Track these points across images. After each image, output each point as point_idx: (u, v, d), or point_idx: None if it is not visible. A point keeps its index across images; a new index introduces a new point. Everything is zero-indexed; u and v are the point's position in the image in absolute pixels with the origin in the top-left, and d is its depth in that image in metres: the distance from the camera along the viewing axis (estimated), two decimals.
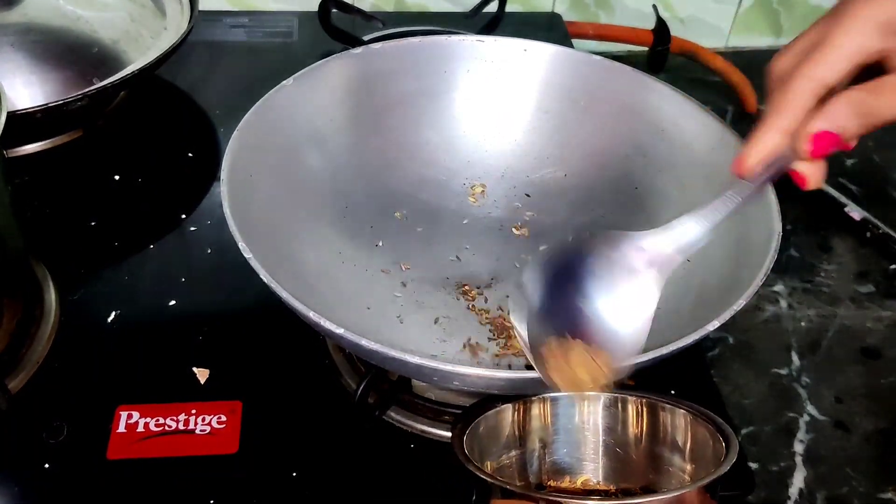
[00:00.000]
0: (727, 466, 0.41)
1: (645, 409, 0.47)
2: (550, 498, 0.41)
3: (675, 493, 0.41)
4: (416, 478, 0.52)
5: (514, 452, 0.48)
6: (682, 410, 0.46)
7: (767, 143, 0.40)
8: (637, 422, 0.48)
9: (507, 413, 0.48)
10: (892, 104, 0.37)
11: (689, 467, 0.46)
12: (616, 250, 0.43)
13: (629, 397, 0.47)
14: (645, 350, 0.42)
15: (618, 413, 0.48)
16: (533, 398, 0.48)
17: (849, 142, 0.39)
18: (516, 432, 0.48)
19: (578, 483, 0.47)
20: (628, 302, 0.42)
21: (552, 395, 0.47)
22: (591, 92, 0.63)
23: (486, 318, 0.57)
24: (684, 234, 0.43)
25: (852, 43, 0.37)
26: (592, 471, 0.48)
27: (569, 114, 0.64)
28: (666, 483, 0.46)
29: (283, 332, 0.58)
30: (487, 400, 0.48)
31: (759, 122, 0.40)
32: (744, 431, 0.58)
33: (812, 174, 0.40)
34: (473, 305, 0.58)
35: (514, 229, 0.63)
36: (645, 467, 0.47)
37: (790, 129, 0.39)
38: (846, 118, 0.37)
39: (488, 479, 0.42)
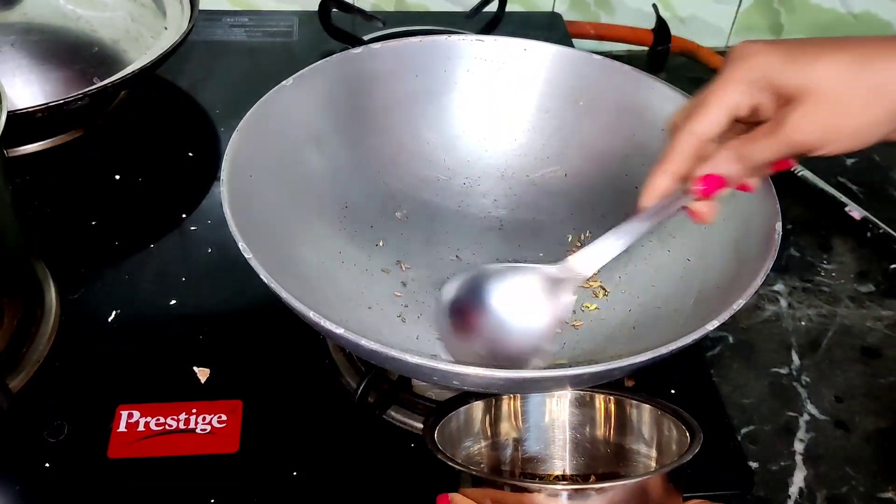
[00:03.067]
0: (689, 456, 0.42)
1: (612, 405, 0.48)
2: (516, 483, 0.41)
3: (638, 480, 0.42)
4: (417, 477, 0.52)
5: (485, 447, 0.49)
6: (648, 406, 0.47)
7: (659, 184, 0.47)
8: (605, 418, 0.49)
9: (479, 409, 0.49)
10: (762, 151, 0.44)
11: (655, 460, 0.47)
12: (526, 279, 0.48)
13: (597, 395, 0.48)
14: (645, 350, 0.43)
15: (586, 410, 0.48)
16: (504, 396, 0.48)
17: (735, 183, 0.46)
18: (488, 428, 0.49)
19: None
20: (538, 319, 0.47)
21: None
22: (591, 92, 0.63)
23: None
24: (592, 260, 0.48)
25: (724, 102, 0.45)
26: (562, 467, 0.48)
27: (569, 114, 0.64)
28: (634, 475, 0.46)
29: (283, 332, 0.58)
30: (461, 396, 0.49)
31: (653, 167, 0.47)
32: (744, 431, 0.58)
33: (706, 211, 0.47)
34: None
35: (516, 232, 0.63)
36: (614, 462, 0.48)
37: (677, 174, 0.46)
38: (726, 164, 0.45)
39: (457, 467, 0.43)
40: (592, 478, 0.48)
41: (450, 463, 0.43)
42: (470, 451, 0.48)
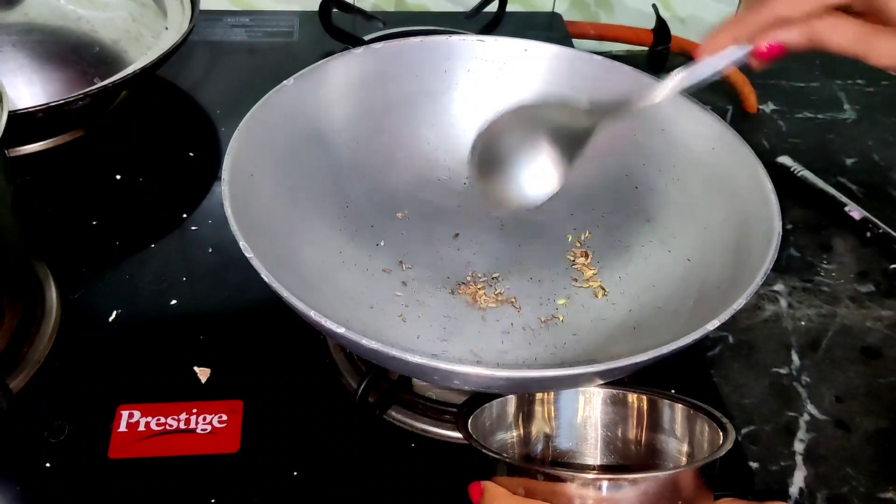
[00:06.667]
0: (722, 451, 0.42)
1: (645, 404, 0.48)
2: (549, 472, 0.41)
3: (670, 472, 0.42)
4: (417, 478, 0.52)
5: (516, 441, 0.49)
6: (680, 405, 0.47)
7: (720, 42, 0.47)
8: (637, 416, 0.49)
9: (512, 404, 0.49)
10: (837, 46, 0.44)
11: (687, 457, 0.47)
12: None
13: (629, 393, 0.48)
14: (645, 350, 0.43)
15: (619, 408, 0.48)
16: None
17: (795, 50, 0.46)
18: (520, 423, 0.49)
19: None
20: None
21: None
22: (591, 92, 0.63)
23: (487, 316, 0.57)
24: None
25: None
26: (593, 464, 0.48)
27: None
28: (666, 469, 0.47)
29: (284, 332, 0.58)
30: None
31: (724, 21, 0.48)
32: (744, 431, 0.58)
33: (757, 64, 0.47)
34: (474, 304, 0.58)
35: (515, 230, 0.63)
36: (645, 460, 0.48)
37: (740, 39, 0.47)
38: (797, 39, 0.45)
39: (491, 455, 0.43)
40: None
41: (484, 450, 0.43)
42: (502, 444, 0.48)
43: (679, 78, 0.49)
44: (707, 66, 0.48)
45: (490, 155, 0.54)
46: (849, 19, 0.44)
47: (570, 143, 0.52)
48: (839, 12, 0.45)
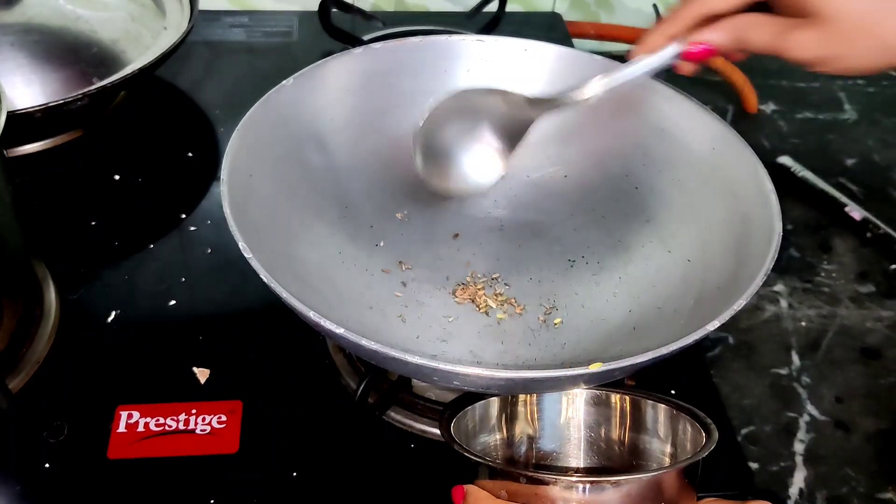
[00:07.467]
0: (705, 452, 0.42)
1: (628, 404, 0.48)
2: (532, 475, 0.41)
3: (653, 474, 0.42)
4: (416, 478, 0.52)
5: (500, 443, 0.49)
6: (663, 405, 0.47)
7: (655, 42, 0.50)
8: (620, 417, 0.49)
9: (495, 406, 0.49)
10: (758, 43, 0.46)
11: (670, 458, 0.47)
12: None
13: (612, 394, 0.48)
14: (645, 350, 0.43)
15: (601, 409, 0.48)
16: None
17: (724, 54, 0.49)
18: (503, 425, 0.49)
19: None
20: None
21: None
22: None
23: (486, 317, 0.57)
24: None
25: None
26: (576, 465, 0.49)
27: (569, 114, 0.64)
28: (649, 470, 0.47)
29: (283, 332, 0.58)
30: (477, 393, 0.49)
31: (657, 22, 0.51)
32: (744, 431, 0.58)
33: (688, 69, 0.51)
34: (474, 304, 0.58)
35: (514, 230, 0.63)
36: (628, 460, 0.48)
37: (672, 36, 0.50)
38: (722, 38, 0.47)
39: (473, 458, 0.43)
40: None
41: (466, 454, 0.43)
42: (485, 446, 0.48)
43: (610, 78, 0.52)
44: (640, 66, 0.51)
45: (434, 143, 0.57)
46: (766, 16, 0.46)
47: (512, 132, 0.57)
48: (756, 12, 0.47)
